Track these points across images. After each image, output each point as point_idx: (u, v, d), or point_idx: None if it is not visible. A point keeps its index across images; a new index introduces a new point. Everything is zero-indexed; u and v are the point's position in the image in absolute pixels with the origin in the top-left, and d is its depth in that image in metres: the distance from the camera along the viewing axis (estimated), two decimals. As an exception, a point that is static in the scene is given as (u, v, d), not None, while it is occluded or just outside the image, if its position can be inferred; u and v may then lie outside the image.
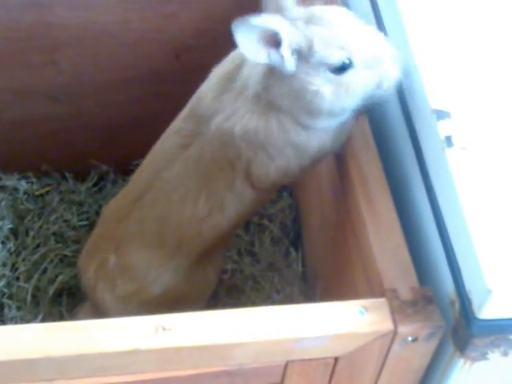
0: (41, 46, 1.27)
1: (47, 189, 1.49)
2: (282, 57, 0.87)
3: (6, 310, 1.33)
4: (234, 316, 0.83)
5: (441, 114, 0.87)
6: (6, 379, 0.80)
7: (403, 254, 0.90)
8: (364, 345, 0.84)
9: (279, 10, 0.89)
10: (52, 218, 1.45)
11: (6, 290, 1.36)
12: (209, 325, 0.81)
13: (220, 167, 1.02)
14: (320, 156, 1.00)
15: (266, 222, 1.45)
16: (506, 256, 0.78)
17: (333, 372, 0.88)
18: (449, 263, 0.85)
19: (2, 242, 1.41)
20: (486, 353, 0.85)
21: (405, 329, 0.83)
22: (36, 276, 1.38)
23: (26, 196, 1.47)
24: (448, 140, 0.85)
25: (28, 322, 1.28)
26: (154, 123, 1.12)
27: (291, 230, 1.45)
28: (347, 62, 0.88)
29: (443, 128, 0.86)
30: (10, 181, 1.47)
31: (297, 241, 1.43)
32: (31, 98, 1.35)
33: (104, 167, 1.50)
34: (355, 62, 0.88)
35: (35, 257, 1.40)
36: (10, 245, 1.41)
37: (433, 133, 0.87)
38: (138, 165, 1.16)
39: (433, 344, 0.86)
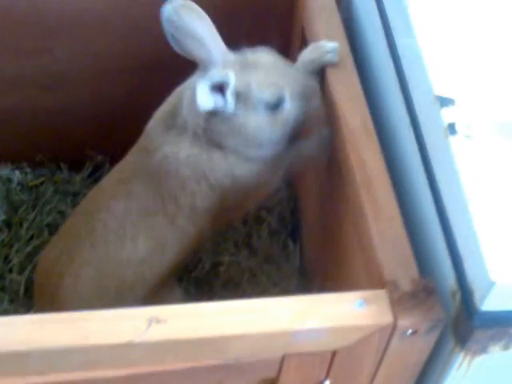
0: (34, 33, 1.24)
1: (41, 180, 1.47)
2: (225, 101, 0.98)
3: (-2, 303, 1.32)
4: (229, 308, 0.81)
5: (444, 101, 0.85)
6: (-5, 372, 0.79)
7: (404, 245, 0.88)
8: (363, 338, 0.82)
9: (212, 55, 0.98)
10: (46, 209, 1.43)
11: (-3, 282, 1.34)
12: (204, 317, 0.80)
13: (163, 200, 1.05)
14: (256, 190, 1.07)
15: (263, 214, 1.43)
16: (510, 246, 0.76)
17: (330, 366, 0.86)
18: (450, 253, 0.84)
19: (-5, 235, 1.40)
20: (487, 346, 0.83)
21: (405, 322, 0.81)
22: (29, 268, 1.35)
23: (19, 187, 1.45)
24: (451, 128, 0.83)
25: (21, 315, 1.26)
26: (150, 113, 1.11)
27: (289, 222, 1.43)
28: (281, 99, 0.99)
29: (447, 115, 0.84)
30: (4, 171, 1.45)
31: (295, 233, 1.41)
32: (24, 87, 1.32)
33: (99, 157, 1.47)
34: (286, 97, 0.99)
35: (28, 249, 1.38)
36: (3, 236, 1.39)
37: (436, 120, 0.85)
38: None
39: (433, 337, 0.84)
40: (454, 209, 0.83)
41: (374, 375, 0.90)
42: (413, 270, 0.86)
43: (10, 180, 1.45)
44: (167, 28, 0.98)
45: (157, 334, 0.78)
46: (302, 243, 1.38)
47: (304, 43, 1.15)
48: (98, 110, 1.39)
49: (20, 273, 1.35)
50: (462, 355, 0.84)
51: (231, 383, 0.88)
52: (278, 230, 1.42)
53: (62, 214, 1.42)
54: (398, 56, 0.96)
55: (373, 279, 0.89)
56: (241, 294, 1.32)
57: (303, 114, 1.02)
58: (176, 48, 0.99)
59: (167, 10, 0.97)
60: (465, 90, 0.86)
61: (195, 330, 0.79)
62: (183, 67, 1.04)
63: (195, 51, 0.98)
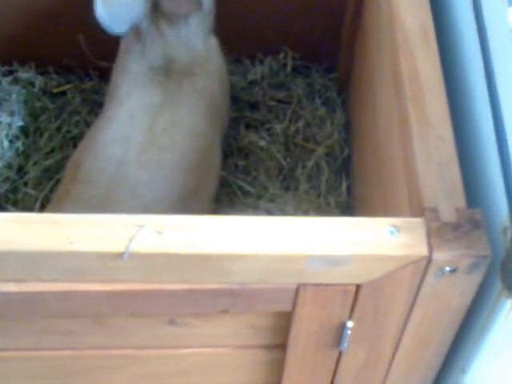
0: None
1: (68, 86, 1.46)
2: None
3: (7, 218, 1.31)
4: (237, 224, 0.78)
5: (513, -1, 0.80)
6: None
7: (452, 169, 0.83)
8: (392, 272, 0.78)
9: None
10: (73, 120, 1.42)
11: (10, 195, 1.34)
12: (208, 231, 0.77)
13: None
14: None
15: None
16: None
17: (354, 303, 0.83)
18: (505, 183, 0.79)
19: (10, 141, 1.39)
20: (540, 294, 0.78)
21: (441, 255, 0.76)
22: (48, 186, 1.35)
23: (41, 92, 1.44)
24: (517, 31, 0.78)
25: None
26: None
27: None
28: None
29: (514, 16, 0.79)
30: (26, 73, 1.45)
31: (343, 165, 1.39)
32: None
33: (134, 66, 1.46)
34: None
35: (48, 162, 1.38)
36: (19, 144, 1.39)
37: (502, 21, 0.79)
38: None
39: (476, 278, 0.79)
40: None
41: (407, 320, 0.86)
42: (458, 199, 0.81)
43: (31, 84, 1.44)
44: None
45: (152, 245, 0.76)
46: (353, 172, 1.35)
47: None
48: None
49: (36, 187, 1.35)
50: (509, 302, 0.80)
51: (239, 313, 0.86)
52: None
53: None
54: None
55: (413, 207, 0.84)
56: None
57: None
58: None
59: None
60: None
61: (194, 244, 0.76)
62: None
63: None
